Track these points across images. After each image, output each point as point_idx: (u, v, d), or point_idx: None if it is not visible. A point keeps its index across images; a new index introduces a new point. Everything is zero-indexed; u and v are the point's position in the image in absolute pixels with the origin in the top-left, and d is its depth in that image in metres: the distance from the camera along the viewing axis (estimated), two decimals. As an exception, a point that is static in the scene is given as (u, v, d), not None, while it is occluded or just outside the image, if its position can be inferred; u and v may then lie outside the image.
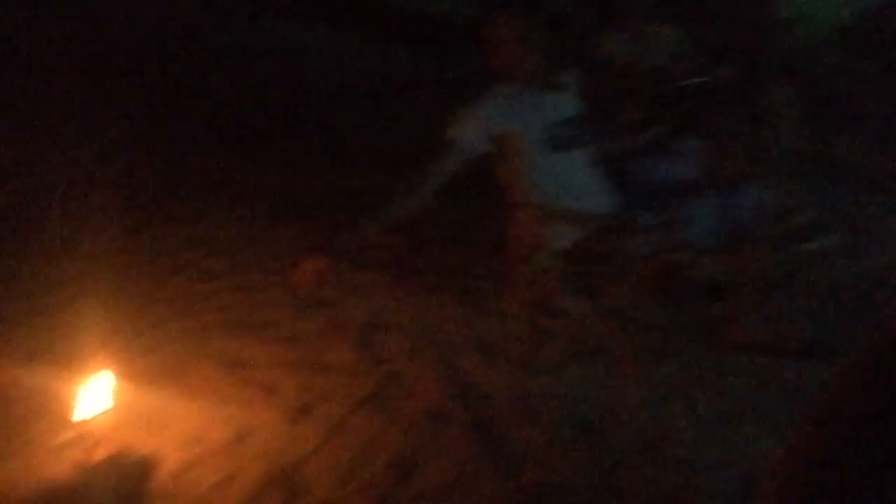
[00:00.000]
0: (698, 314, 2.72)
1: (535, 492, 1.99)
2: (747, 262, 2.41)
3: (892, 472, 0.43)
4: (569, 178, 2.29)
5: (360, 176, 4.44)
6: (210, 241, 3.71)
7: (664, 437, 2.18)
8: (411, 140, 4.83)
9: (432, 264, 3.34)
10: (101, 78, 5.64)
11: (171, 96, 5.83)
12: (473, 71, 2.53)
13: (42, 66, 5.69)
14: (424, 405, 2.37)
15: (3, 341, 2.83)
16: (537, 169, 2.25)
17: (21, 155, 4.87)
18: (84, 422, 2.03)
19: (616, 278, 2.43)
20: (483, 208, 3.82)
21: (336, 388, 2.48)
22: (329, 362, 2.64)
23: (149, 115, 5.52)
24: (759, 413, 2.28)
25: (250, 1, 7.19)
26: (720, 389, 2.40)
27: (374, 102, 5.88)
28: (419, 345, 2.70)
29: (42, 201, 4.28)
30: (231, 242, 3.71)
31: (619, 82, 2.57)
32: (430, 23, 6.70)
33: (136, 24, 6.58)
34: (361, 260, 3.37)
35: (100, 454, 2.03)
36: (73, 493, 2.05)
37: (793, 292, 2.95)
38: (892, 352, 0.47)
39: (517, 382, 2.46)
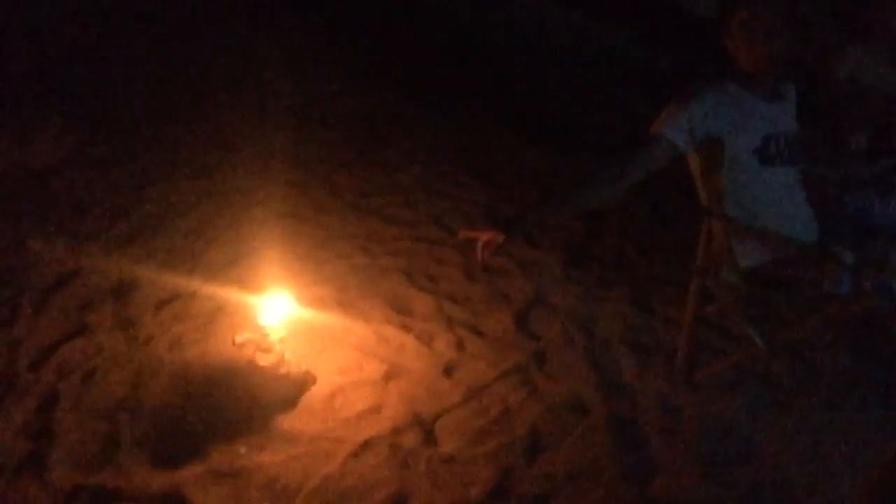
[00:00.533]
0: (890, 372, 2.45)
1: (660, 506, 1.93)
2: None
3: None
4: (772, 196, 2.12)
5: (561, 155, 4.43)
6: (401, 192, 3.90)
7: (814, 494, 2.00)
8: (622, 128, 4.75)
9: (606, 256, 3.28)
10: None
11: (401, 53, 6.27)
12: (707, 65, 2.40)
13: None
14: (566, 391, 2.36)
15: (198, 250, 3.19)
16: (740, 180, 2.11)
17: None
18: (261, 327, 2.25)
19: (802, 312, 2.24)
20: (674, 210, 3.68)
21: (485, 355, 2.54)
22: (484, 328, 2.69)
23: (375, 68, 5.95)
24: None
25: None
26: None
27: (595, 85, 5.83)
28: (574, 331, 2.68)
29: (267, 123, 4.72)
30: (422, 197, 3.86)
31: (854, 103, 2.33)
32: (674, 11, 6.51)
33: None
34: (538, 237, 3.38)
35: (269, 359, 2.25)
36: (245, 383, 2.31)
37: None
38: None
39: (668, 392, 2.37)
